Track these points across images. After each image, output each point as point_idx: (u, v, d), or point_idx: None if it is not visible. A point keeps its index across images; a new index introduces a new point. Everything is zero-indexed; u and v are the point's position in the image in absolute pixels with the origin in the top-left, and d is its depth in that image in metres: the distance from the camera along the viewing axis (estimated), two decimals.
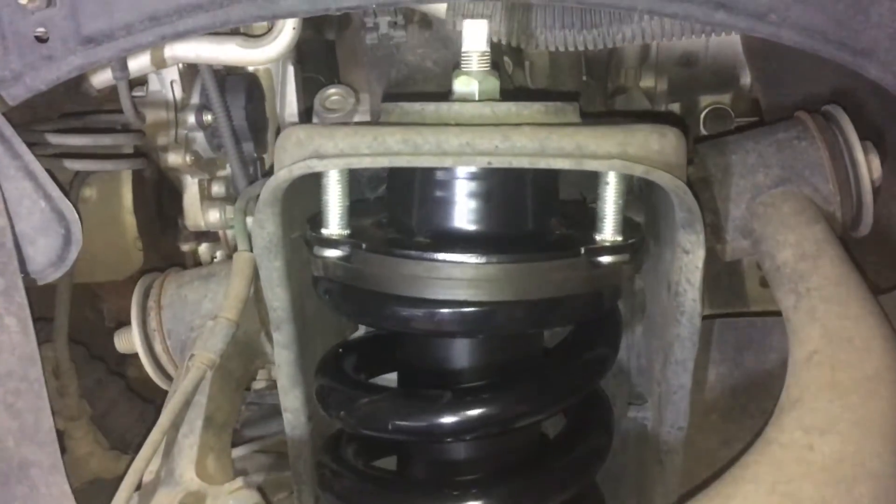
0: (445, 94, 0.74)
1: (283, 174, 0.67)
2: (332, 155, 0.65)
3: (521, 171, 0.71)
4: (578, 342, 0.83)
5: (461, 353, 0.78)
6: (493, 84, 0.72)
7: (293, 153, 0.68)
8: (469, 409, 0.74)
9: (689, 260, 0.72)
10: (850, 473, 0.62)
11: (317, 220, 0.74)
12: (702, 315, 0.75)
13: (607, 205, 0.69)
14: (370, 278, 0.71)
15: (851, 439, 0.63)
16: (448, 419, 0.74)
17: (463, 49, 0.72)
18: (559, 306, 0.73)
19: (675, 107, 1.28)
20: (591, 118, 0.75)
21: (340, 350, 0.87)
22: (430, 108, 0.70)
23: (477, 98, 0.71)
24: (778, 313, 0.82)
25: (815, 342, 0.69)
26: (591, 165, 0.63)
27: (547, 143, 0.63)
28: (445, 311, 0.71)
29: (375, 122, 0.72)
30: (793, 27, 0.82)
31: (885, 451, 0.63)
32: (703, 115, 1.26)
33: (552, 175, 0.76)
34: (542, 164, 0.62)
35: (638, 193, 0.85)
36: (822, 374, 0.67)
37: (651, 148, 0.65)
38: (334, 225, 0.72)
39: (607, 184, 0.68)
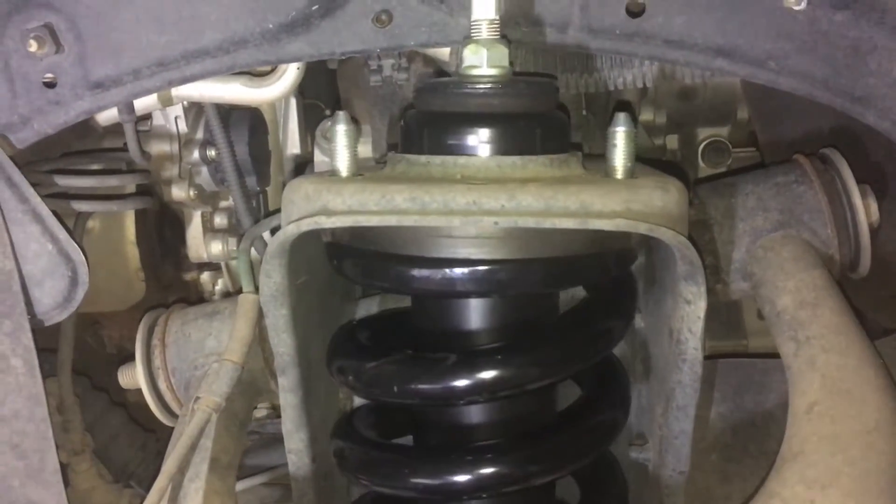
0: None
1: (292, 229, 0.68)
2: (340, 212, 0.66)
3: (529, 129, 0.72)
4: (590, 309, 0.83)
5: (469, 316, 0.78)
6: (502, 52, 0.72)
7: (301, 207, 0.69)
8: (474, 371, 0.73)
9: (690, 310, 0.73)
10: None
11: None
12: (703, 362, 0.75)
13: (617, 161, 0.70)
14: (377, 240, 0.71)
15: (852, 494, 0.64)
16: (453, 382, 0.73)
17: (472, 18, 0.72)
18: (567, 265, 0.73)
19: (674, 139, 1.30)
20: (593, 161, 0.76)
21: (354, 325, 0.87)
22: (437, 162, 0.71)
23: (486, 65, 0.72)
24: (778, 354, 0.84)
25: (815, 393, 0.70)
26: (595, 224, 0.64)
27: (552, 203, 0.64)
28: (451, 270, 0.70)
29: (383, 176, 0.73)
30: (791, 74, 0.84)
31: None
32: (701, 148, 1.27)
33: (564, 130, 0.76)
34: (548, 224, 0.63)
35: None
36: (822, 426, 0.68)
37: (654, 205, 0.66)
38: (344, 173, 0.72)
39: (615, 146, 0.69)
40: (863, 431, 0.66)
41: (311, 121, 1.29)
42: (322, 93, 1.34)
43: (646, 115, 1.23)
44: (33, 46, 0.82)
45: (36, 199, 0.87)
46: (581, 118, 1.11)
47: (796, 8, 0.78)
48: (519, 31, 0.82)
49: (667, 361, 0.79)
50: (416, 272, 0.70)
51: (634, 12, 0.83)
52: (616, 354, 0.89)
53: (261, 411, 1.35)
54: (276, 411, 1.35)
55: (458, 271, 0.69)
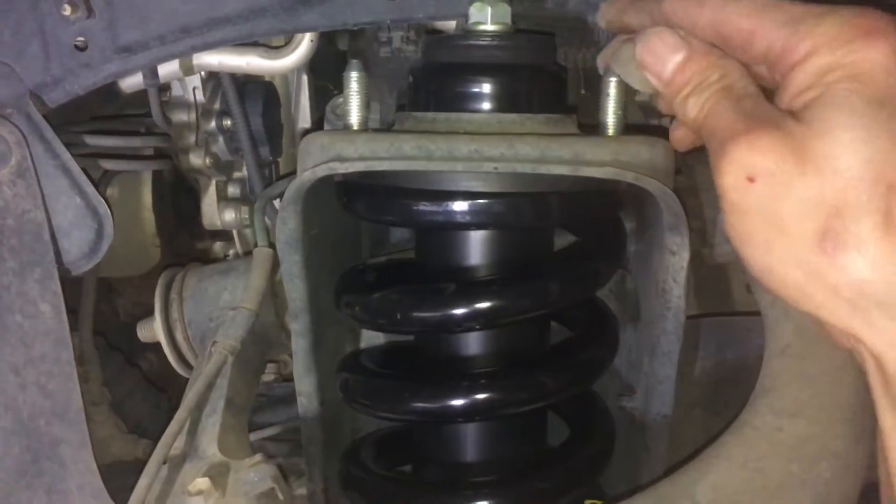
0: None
1: (308, 175, 0.74)
2: (352, 158, 0.72)
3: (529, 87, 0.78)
4: (580, 249, 0.88)
5: (468, 250, 0.83)
6: (504, 9, 0.78)
7: (317, 156, 0.75)
8: (471, 299, 0.79)
9: (675, 260, 0.79)
10: (813, 452, 0.69)
11: None
12: (686, 311, 0.81)
13: (608, 113, 0.75)
14: (384, 180, 0.77)
15: (817, 422, 0.70)
16: (451, 309, 0.78)
17: None
18: (556, 200, 0.78)
19: (668, 120, 1.36)
20: (588, 129, 0.81)
21: (361, 268, 0.94)
22: (442, 117, 0.77)
23: (489, 22, 0.77)
24: (759, 314, 0.89)
25: (788, 337, 0.76)
26: (586, 171, 0.70)
27: (547, 152, 0.70)
28: (449, 202, 0.76)
29: (392, 129, 0.79)
30: None
31: (847, 433, 0.70)
32: None
33: (561, 90, 0.82)
34: (543, 169, 0.69)
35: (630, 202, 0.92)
36: (793, 364, 0.74)
37: (642, 157, 0.72)
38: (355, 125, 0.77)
39: (608, 95, 0.75)
40: (831, 369, 0.72)
41: (321, 101, 1.35)
42: (332, 75, 1.40)
43: (641, 97, 1.28)
44: (67, 10, 0.88)
45: (66, 155, 0.92)
46: (580, 95, 1.17)
47: None
48: (522, 4, 0.88)
49: (653, 310, 0.85)
50: (420, 205, 0.76)
51: None
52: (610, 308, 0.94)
53: (269, 376, 1.41)
54: (282, 376, 1.41)
55: (459, 203, 0.75)
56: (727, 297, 1.26)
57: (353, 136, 0.74)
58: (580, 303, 0.88)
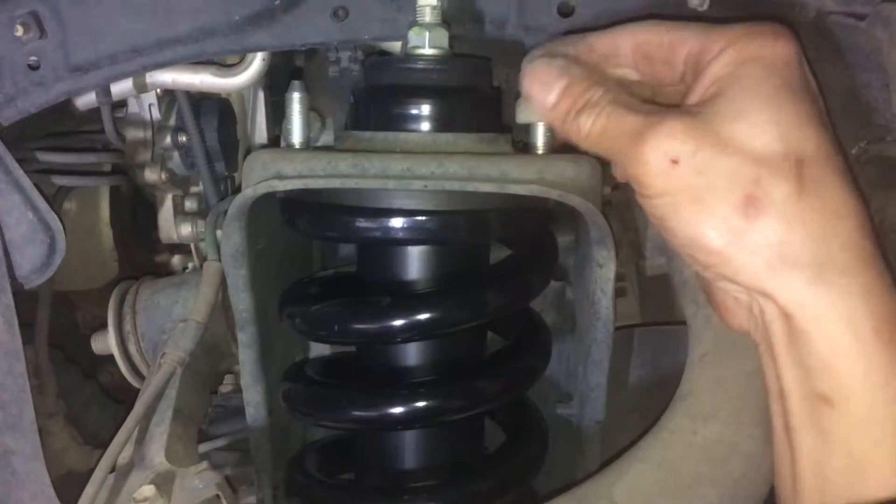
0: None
1: (249, 192, 0.77)
2: (291, 176, 0.76)
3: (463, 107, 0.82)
4: (514, 263, 0.92)
5: (405, 265, 0.86)
6: (442, 34, 0.81)
7: (258, 174, 0.78)
8: (406, 311, 0.82)
9: (602, 273, 0.83)
10: (725, 453, 0.73)
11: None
12: (615, 321, 0.85)
13: (538, 134, 0.80)
14: (325, 197, 0.80)
15: (729, 425, 0.74)
16: (387, 321, 0.82)
17: (418, 4, 0.81)
18: (487, 218, 0.82)
19: None
20: (523, 147, 0.85)
21: (305, 280, 0.97)
22: (380, 137, 0.81)
23: (427, 46, 0.81)
24: None
25: (707, 345, 0.80)
26: (512, 189, 0.73)
27: (475, 170, 0.74)
28: (385, 219, 0.79)
29: (331, 147, 0.82)
30: None
31: (758, 434, 0.74)
32: None
33: (495, 110, 0.86)
34: (471, 187, 0.73)
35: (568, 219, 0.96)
36: (710, 371, 0.78)
37: (567, 175, 0.76)
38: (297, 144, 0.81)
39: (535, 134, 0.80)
40: (743, 374, 0.76)
41: (279, 116, 1.37)
42: None
43: None
44: (19, 31, 0.90)
45: (19, 172, 0.95)
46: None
47: (700, 9, 0.88)
48: (462, 28, 0.91)
49: (585, 321, 0.89)
50: (357, 222, 0.80)
51: (565, 13, 0.93)
52: (547, 322, 0.98)
53: (226, 387, 1.43)
54: (240, 387, 1.43)
55: (393, 220, 0.79)
56: (672, 308, 1.31)
57: (293, 155, 0.77)
58: (514, 314, 0.92)
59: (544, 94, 0.72)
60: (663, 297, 1.07)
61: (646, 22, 0.72)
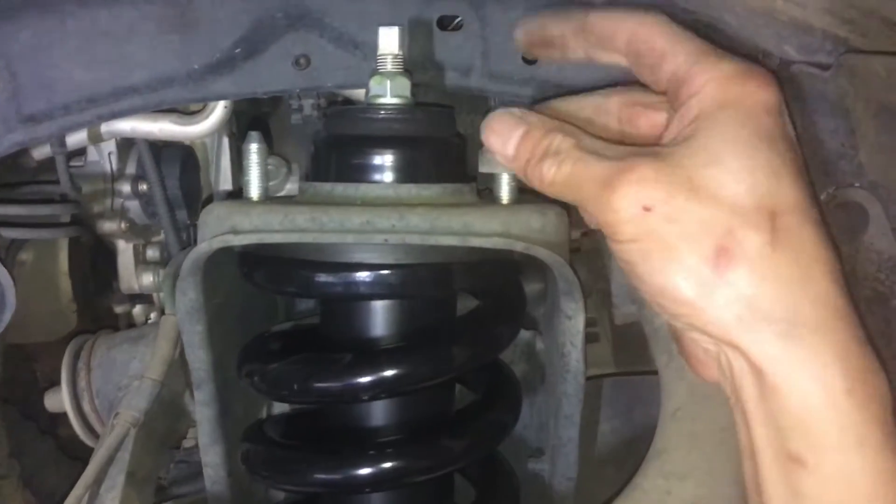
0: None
1: (204, 247, 0.74)
2: (247, 231, 0.73)
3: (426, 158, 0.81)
4: (482, 315, 0.89)
5: (367, 319, 0.83)
6: (404, 83, 0.80)
7: (213, 228, 0.75)
8: (368, 368, 0.79)
9: (571, 325, 0.80)
10: None
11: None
12: (585, 374, 0.83)
13: (502, 183, 0.79)
14: (283, 250, 0.77)
15: (704, 484, 0.72)
16: (349, 379, 0.78)
17: (378, 53, 0.80)
18: (451, 271, 0.80)
19: None
20: (488, 195, 0.83)
21: (265, 336, 0.93)
22: (340, 188, 0.78)
23: (389, 95, 0.79)
24: None
25: (680, 398, 0.78)
26: (476, 242, 0.71)
27: (437, 223, 0.71)
28: (345, 274, 0.77)
29: (289, 199, 0.80)
30: None
31: (733, 494, 0.72)
32: None
33: (459, 160, 0.84)
34: (433, 240, 0.71)
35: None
36: (683, 426, 0.75)
37: (532, 226, 0.74)
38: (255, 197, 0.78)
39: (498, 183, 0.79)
40: (717, 430, 0.74)
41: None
42: None
43: None
44: None
45: None
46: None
47: None
48: (426, 75, 0.90)
49: (555, 373, 0.86)
50: (316, 277, 0.77)
51: (529, 61, 0.92)
52: (515, 372, 0.95)
53: (189, 441, 1.38)
54: None
55: (355, 274, 0.76)
56: (644, 355, 1.29)
57: (249, 208, 0.75)
58: (483, 366, 0.89)
59: (502, 145, 0.72)
60: (634, 346, 1.05)
61: (649, 16, 0.69)
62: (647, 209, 0.61)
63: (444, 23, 0.92)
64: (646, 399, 1.01)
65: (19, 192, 1.10)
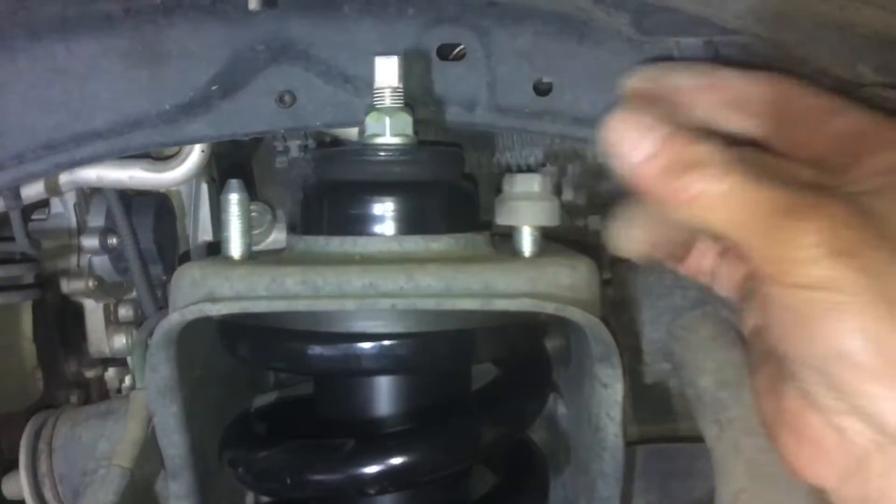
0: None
1: (176, 317, 0.63)
2: (227, 298, 0.61)
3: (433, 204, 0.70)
4: (503, 387, 0.78)
5: (370, 397, 0.72)
6: (405, 120, 0.70)
7: (187, 294, 0.64)
8: (374, 458, 0.67)
9: (608, 394, 0.69)
10: None
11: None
12: (624, 449, 0.71)
13: (523, 233, 0.68)
14: (270, 316, 0.66)
15: None
16: (351, 470, 0.67)
17: (375, 86, 0.70)
18: (470, 340, 0.69)
19: (595, 219, 1.29)
20: (505, 240, 0.72)
21: (251, 414, 0.82)
22: (335, 242, 0.67)
23: (389, 133, 0.69)
24: (702, 439, 0.80)
25: (740, 479, 0.67)
26: (499, 305, 0.60)
27: (453, 283, 0.60)
28: (344, 346, 0.66)
29: (275, 256, 0.69)
30: None
31: None
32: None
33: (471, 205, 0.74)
34: (449, 305, 0.59)
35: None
36: None
37: (562, 283, 0.63)
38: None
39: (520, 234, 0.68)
40: None
41: None
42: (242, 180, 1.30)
43: (566, 195, 1.22)
44: None
45: None
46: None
47: None
48: (427, 110, 0.80)
49: (587, 450, 0.75)
50: (310, 350, 0.65)
51: (542, 90, 0.82)
52: (536, 441, 0.84)
53: None
54: None
55: (355, 346, 0.64)
56: (667, 408, 1.18)
57: (229, 270, 0.63)
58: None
59: (635, 143, 0.56)
60: (665, 409, 0.94)
61: (786, 77, 0.61)
62: (842, 254, 0.50)
63: (445, 52, 0.82)
64: (683, 470, 0.89)
65: None
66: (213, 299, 0.61)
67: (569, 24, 0.80)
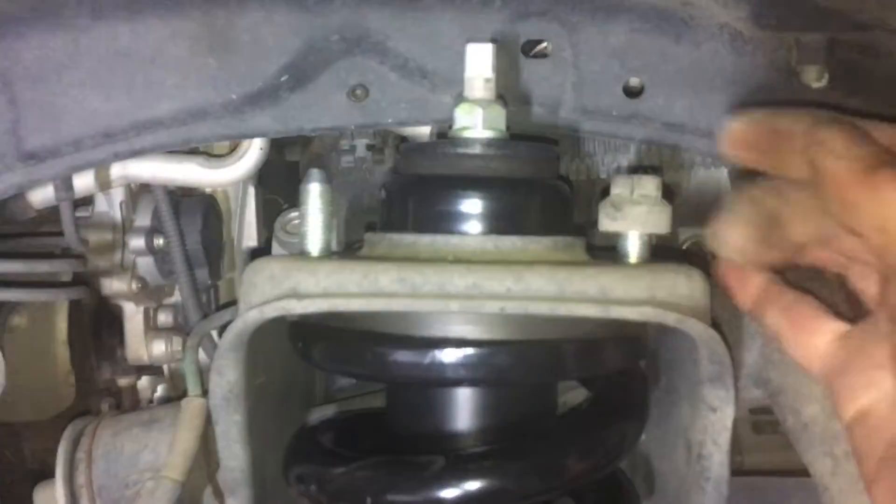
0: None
1: (254, 315, 0.57)
2: (314, 295, 0.56)
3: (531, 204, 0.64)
4: (597, 408, 0.72)
5: (458, 411, 0.66)
6: (499, 113, 0.65)
7: (265, 291, 0.58)
8: (467, 478, 0.61)
9: (716, 419, 0.63)
10: None
11: None
12: (729, 481, 0.65)
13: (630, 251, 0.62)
14: (353, 317, 0.61)
15: None
16: (442, 492, 0.61)
17: (466, 75, 0.65)
18: (580, 351, 0.63)
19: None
20: (599, 254, 0.67)
21: (316, 426, 0.76)
22: (425, 241, 0.62)
23: (481, 126, 0.64)
24: (796, 472, 0.74)
25: None
26: (618, 313, 0.54)
27: (567, 286, 0.54)
28: (437, 352, 0.60)
29: (363, 256, 0.63)
30: None
31: None
32: (684, 248, 1.21)
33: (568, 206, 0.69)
34: (563, 309, 0.53)
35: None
36: None
37: (680, 293, 0.57)
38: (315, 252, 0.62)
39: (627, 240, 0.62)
40: None
41: (269, 217, 1.20)
42: (282, 186, 1.26)
43: None
44: None
45: None
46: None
47: (815, 86, 0.72)
48: (507, 110, 0.75)
49: (683, 480, 0.69)
50: (401, 355, 0.59)
51: (632, 92, 0.77)
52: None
53: None
54: None
55: (452, 353, 0.58)
56: (734, 443, 1.11)
57: (315, 266, 0.58)
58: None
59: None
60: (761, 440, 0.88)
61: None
62: None
63: (528, 48, 0.77)
64: None
65: (14, 244, 0.93)
66: (297, 296, 0.56)
67: (667, 21, 0.76)
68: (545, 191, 0.66)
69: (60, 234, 0.92)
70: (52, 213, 0.93)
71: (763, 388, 0.79)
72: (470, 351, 0.58)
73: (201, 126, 0.77)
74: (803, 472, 0.70)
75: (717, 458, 0.64)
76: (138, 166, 0.90)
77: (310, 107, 0.77)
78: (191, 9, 0.75)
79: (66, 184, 0.82)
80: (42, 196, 0.89)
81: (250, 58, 0.76)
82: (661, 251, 0.67)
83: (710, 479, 0.65)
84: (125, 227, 1.05)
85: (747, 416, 1.10)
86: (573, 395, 0.78)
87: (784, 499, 0.83)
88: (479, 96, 0.66)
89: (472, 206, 0.62)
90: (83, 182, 0.89)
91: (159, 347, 1.11)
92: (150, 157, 0.89)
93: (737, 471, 1.07)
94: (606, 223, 0.61)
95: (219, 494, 0.85)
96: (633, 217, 0.59)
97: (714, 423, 0.63)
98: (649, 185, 0.61)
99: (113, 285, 1.04)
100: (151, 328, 1.12)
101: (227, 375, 0.63)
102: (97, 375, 1.20)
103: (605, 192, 0.63)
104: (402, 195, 0.66)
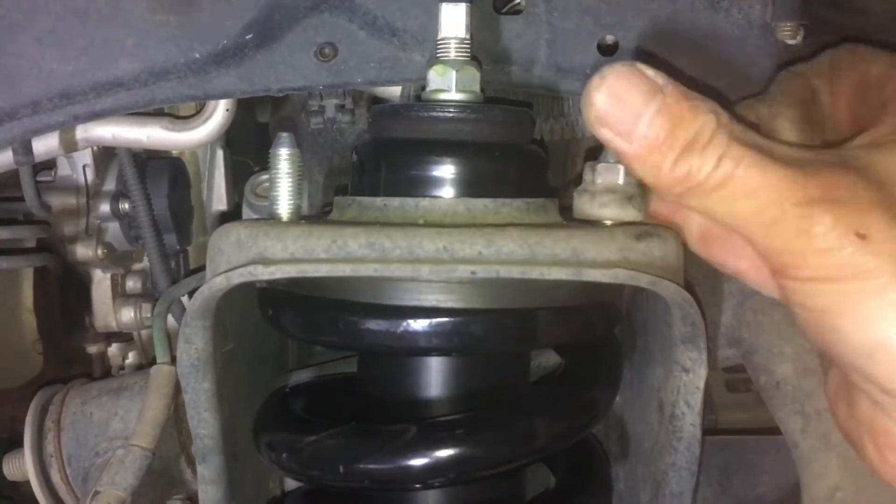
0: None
1: (220, 282, 0.55)
2: (280, 260, 0.54)
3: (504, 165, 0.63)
4: (570, 375, 0.71)
5: (430, 379, 0.66)
6: (472, 75, 0.64)
7: (232, 256, 0.57)
8: (439, 445, 0.61)
9: (688, 380, 0.63)
10: None
11: None
12: (701, 441, 0.65)
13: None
14: (323, 285, 0.60)
15: None
16: (414, 460, 0.60)
17: (439, 36, 0.64)
18: (554, 318, 0.63)
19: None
20: (570, 215, 0.66)
21: (287, 393, 0.74)
22: (395, 204, 0.60)
23: (454, 89, 0.63)
24: (766, 431, 0.74)
25: (834, 475, 0.61)
26: (590, 275, 0.53)
27: (538, 249, 0.53)
28: (415, 321, 0.59)
29: (332, 220, 0.62)
30: None
31: None
32: None
33: (542, 169, 0.68)
34: (536, 273, 0.53)
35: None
36: None
37: (653, 254, 0.56)
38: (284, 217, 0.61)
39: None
40: None
41: (239, 180, 1.18)
42: (251, 149, 1.24)
43: None
44: None
45: None
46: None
47: (790, 42, 0.71)
48: (483, 70, 0.73)
49: (655, 440, 0.69)
50: (373, 324, 0.58)
51: (607, 50, 0.76)
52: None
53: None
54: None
55: (424, 322, 0.57)
56: (706, 400, 1.12)
57: (282, 230, 0.56)
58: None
59: (628, 116, 0.49)
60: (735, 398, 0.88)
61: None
62: (861, 237, 0.44)
63: (500, 4, 0.76)
64: (747, 464, 0.83)
65: None
66: (264, 261, 0.54)
67: None
68: (519, 155, 0.64)
69: (22, 199, 0.90)
70: (12, 178, 0.90)
71: (736, 348, 0.80)
72: (443, 320, 0.57)
73: (164, 86, 0.74)
74: (776, 431, 0.71)
75: (689, 418, 0.64)
76: (101, 129, 0.87)
77: (276, 66, 0.75)
78: None
79: (25, 147, 0.79)
80: (1, 160, 0.87)
81: (213, 15, 0.73)
82: None
83: (682, 439, 0.65)
84: (90, 192, 1.03)
85: (721, 375, 1.11)
86: (547, 357, 0.78)
87: (756, 456, 0.84)
88: (453, 57, 0.64)
89: (444, 170, 0.61)
90: (45, 145, 0.86)
91: (128, 314, 1.09)
92: (113, 119, 0.86)
93: (710, 429, 1.08)
94: (580, 211, 0.60)
95: (191, 463, 0.85)
96: (606, 205, 0.58)
97: (686, 383, 0.63)
98: (621, 174, 0.60)
99: (78, 251, 1.02)
100: (119, 294, 1.10)
101: (194, 343, 0.61)
102: (66, 343, 1.19)
103: (589, 154, 0.62)
104: (373, 159, 0.65)
